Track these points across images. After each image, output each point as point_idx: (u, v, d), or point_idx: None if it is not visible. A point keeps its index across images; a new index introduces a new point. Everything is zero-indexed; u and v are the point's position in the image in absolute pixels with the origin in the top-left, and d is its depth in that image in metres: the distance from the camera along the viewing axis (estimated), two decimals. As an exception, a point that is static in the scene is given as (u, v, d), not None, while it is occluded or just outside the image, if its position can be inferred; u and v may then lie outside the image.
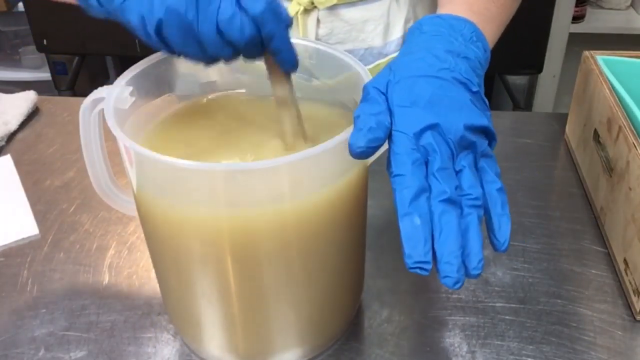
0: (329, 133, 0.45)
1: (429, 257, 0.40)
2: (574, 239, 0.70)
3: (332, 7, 0.80)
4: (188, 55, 0.47)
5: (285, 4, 0.80)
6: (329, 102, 0.56)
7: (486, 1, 0.60)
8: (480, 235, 0.42)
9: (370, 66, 0.83)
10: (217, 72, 0.59)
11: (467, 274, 0.41)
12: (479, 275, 0.42)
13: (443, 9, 0.58)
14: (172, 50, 0.47)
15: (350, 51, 0.82)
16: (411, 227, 0.41)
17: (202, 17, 0.44)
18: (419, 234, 0.40)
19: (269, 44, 0.47)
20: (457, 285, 0.41)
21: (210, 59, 0.47)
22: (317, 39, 0.82)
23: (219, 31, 0.45)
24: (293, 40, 0.55)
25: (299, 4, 0.79)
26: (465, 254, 0.41)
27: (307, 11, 0.80)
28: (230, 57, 0.47)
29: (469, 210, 0.42)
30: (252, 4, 0.44)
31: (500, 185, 0.44)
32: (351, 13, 0.81)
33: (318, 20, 0.81)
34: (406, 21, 0.84)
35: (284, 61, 0.49)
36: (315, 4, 0.79)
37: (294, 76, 0.52)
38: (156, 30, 0.45)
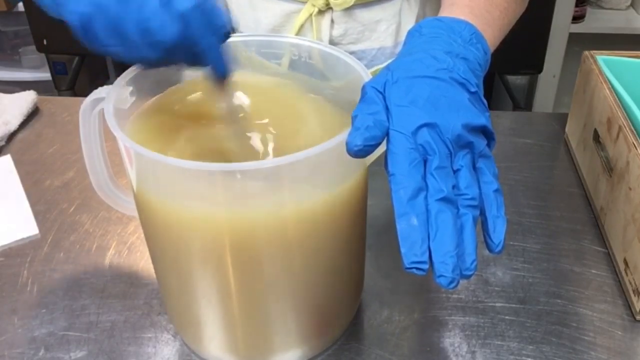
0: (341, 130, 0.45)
1: (426, 257, 0.40)
2: (574, 239, 0.70)
3: (347, 8, 0.80)
4: (114, 53, 0.46)
5: (299, 6, 0.80)
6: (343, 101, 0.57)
7: (488, 4, 0.60)
8: (475, 236, 0.42)
9: (382, 66, 0.84)
10: None
11: (460, 275, 0.41)
12: (471, 276, 0.42)
13: (444, 12, 0.58)
14: (100, 48, 0.46)
15: (363, 51, 0.84)
16: (408, 227, 0.41)
17: (125, 12, 0.43)
18: (415, 234, 0.41)
19: (194, 47, 0.45)
20: (452, 285, 0.41)
21: (138, 60, 0.47)
22: (331, 39, 0.82)
23: (142, 29, 0.43)
24: (301, 40, 0.55)
25: (314, 6, 0.80)
26: (459, 255, 0.41)
27: (321, 12, 0.81)
28: (157, 61, 0.46)
29: (465, 211, 0.42)
30: (178, 1, 0.43)
31: (497, 187, 0.44)
32: (365, 13, 0.82)
33: (332, 21, 0.81)
34: (417, 21, 0.84)
35: (211, 69, 0.48)
36: (332, 6, 0.80)
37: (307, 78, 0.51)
38: (82, 27, 0.44)
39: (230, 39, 0.58)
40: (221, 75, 0.49)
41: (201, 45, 0.45)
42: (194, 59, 0.47)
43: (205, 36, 0.45)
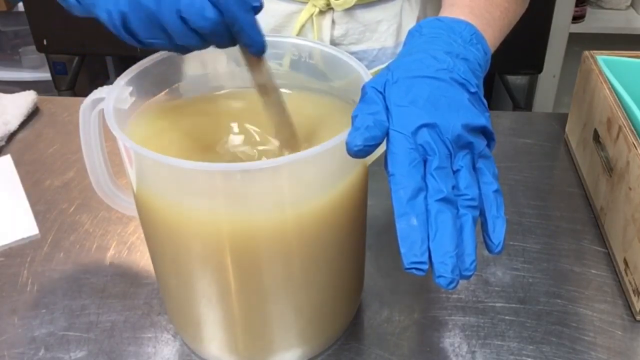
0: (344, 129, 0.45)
1: (425, 257, 0.40)
2: (574, 239, 0.70)
3: (348, 9, 0.80)
4: (157, 45, 0.47)
5: (300, 7, 0.80)
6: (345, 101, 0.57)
7: (488, 5, 0.60)
8: (474, 236, 0.42)
9: (383, 66, 0.84)
10: (226, 72, 0.59)
11: (460, 275, 0.41)
12: (471, 276, 0.42)
13: (445, 12, 0.58)
14: (142, 43, 0.47)
15: (364, 51, 0.84)
16: (407, 227, 0.41)
17: (162, 5, 0.44)
18: (415, 234, 0.40)
19: (232, 27, 0.46)
20: (451, 286, 0.41)
21: (180, 48, 0.48)
22: (332, 40, 0.82)
23: (182, 18, 0.45)
24: (301, 40, 0.55)
25: (315, 6, 0.80)
26: (458, 255, 0.41)
27: (322, 13, 0.81)
28: (199, 45, 0.47)
29: (464, 211, 0.42)
30: None
31: (497, 187, 0.44)
32: (366, 14, 0.82)
33: (333, 22, 0.81)
34: (418, 21, 0.84)
35: (249, 44, 0.48)
36: (332, 6, 0.80)
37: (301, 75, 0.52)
38: (122, 24, 0.46)
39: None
40: (255, 50, 0.49)
41: (238, 24, 0.46)
42: (232, 39, 0.48)
43: (241, 15, 0.46)
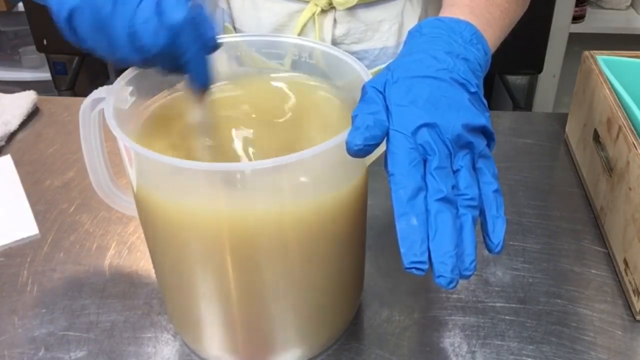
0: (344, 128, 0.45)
1: (425, 257, 0.40)
2: (574, 239, 0.70)
3: (350, 8, 0.80)
4: (96, 51, 0.46)
5: (302, 6, 0.80)
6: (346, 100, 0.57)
7: (488, 5, 0.60)
8: (474, 236, 0.42)
9: (384, 66, 0.84)
10: (227, 72, 0.59)
11: (460, 275, 0.41)
12: (470, 276, 0.42)
13: (445, 12, 0.58)
14: (81, 43, 0.46)
15: (365, 51, 0.84)
16: (407, 227, 0.41)
17: (117, 13, 0.43)
18: (415, 234, 0.41)
19: (181, 58, 0.45)
20: (451, 285, 0.41)
21: (117, 61, 0.46)
22: (334, 39, 0.82)
23: (131, 33, 0.43)
24: (303, 41, 0.55)
25: (317, 5, 0.80)
26: (458, 255, 0.41)
27: (324, 12, 0.81)
28: (139, 64, 0.46)
29: (464, 211, 0.42)
30: (172, 12, 0.43)
31: (497, 187, 0.44)
32: (368, 13, 0.82)
33: (335, 21, 0.81)
34: (419, 21, 0.84)
35: (194, 79, 0.48)
36: (334, 5, 0.80)
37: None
38: (67, 18, 0.44)
39: (232, 39, 0.58)
40: (199, 86, 0.48)
41: (186, 57, 0.46)
42: (176, 67, 0.47)
43: (192, 49, 0.45)
